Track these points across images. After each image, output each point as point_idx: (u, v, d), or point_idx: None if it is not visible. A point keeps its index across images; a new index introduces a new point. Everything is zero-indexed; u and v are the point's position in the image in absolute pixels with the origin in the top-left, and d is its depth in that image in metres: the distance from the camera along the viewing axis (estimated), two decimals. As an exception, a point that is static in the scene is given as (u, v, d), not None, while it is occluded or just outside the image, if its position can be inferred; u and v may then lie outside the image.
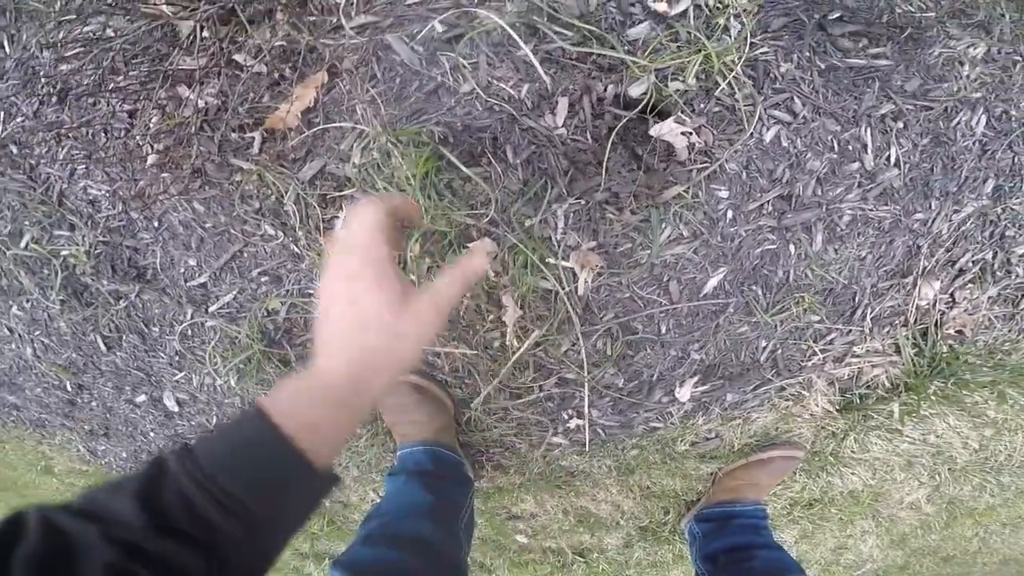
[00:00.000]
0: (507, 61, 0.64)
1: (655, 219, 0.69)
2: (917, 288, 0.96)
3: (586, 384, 0.90)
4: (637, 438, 1.02)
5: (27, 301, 0.96)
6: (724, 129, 0.66)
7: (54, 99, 0.70)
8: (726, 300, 0.80)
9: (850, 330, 0.95)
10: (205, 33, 0.61)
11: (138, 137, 0.70)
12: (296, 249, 0.81)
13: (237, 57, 0.64)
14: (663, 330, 0.83)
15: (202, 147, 0.71)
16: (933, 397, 1.05)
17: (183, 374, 1.01)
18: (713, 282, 0.77)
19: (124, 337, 0.98)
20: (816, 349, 0.95)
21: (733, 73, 0.61)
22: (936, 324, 1.00)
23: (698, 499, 1.18)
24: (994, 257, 0.97)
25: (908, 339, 1.01)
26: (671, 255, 0.74)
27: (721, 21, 0.63)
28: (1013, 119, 0.81)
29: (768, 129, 0.68)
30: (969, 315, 1.03)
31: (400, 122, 0.66)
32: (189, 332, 0.94)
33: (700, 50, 0.59)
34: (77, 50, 0.66)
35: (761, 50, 0.63)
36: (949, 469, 1.27)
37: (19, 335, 1.04)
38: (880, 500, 1.32)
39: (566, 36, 0.61)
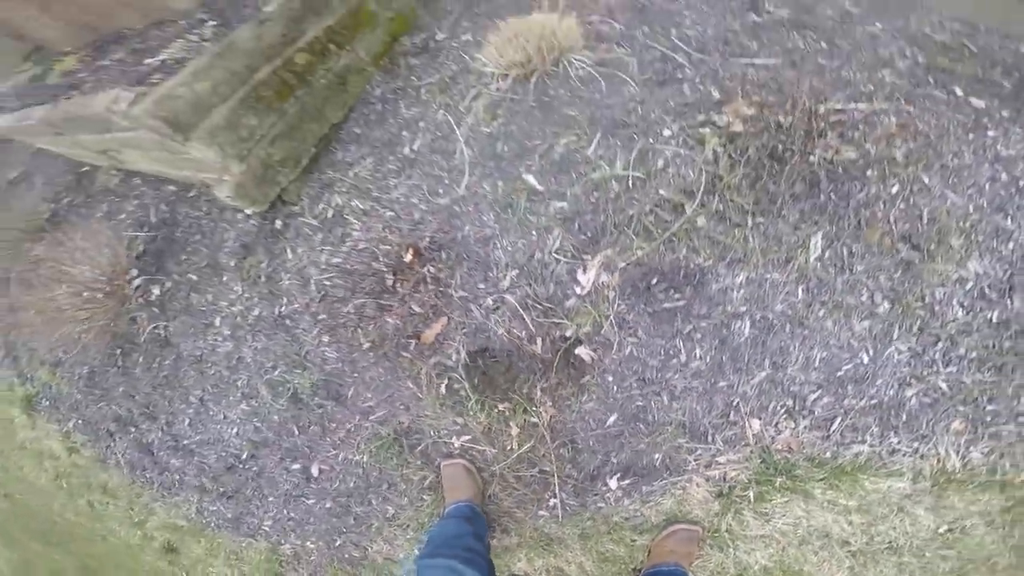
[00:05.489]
0: (518, 323, 1.52)
1: (576, 393, 1.50)
2: (747, 423, 1.67)
3: (555, 475, 1.62)
4: (590, 513, 1.69)
5: (257, 402, 1.83)
6: (607, 351, 1.48)
7: (318, 300, 1.64)
8: (621, 429, 1.55)
9: (709, 448, 1.65)
10: (399, 287, 1.54)
11: (359, 333, 1.61)
12: (413, 388, 1.66)
13: (411, 305, 1.56)
14: (592, 443, 1.57)
15: (388, 342, 1.61)
16: (779, 488, 1.67)
17: (335, 451, 1.80)
18: (611, 419, 1.53)
19: (311, 428, 1.81)
20: (691, 459, 1.65)
21: (608, 320, 1.46)
22: (768, 446, 1.68)
23: (641, 565, 1.77)
24: (793, 403, 1.67)
25: (754, 453, 1.68)
26: (588, 407, 1.52)
27: (606, 292, 1.49)
28: (772, 320, 1.59)
29: (627, 347, 1.49)
30: (794, 438, 1.71)
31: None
32: (354, 432, 1.76)
33: (591, 312, 1.44)
34: (332, 274, 1.61)
35: (619, 306, 1.47)
36: (849, 552, 1.52)
37: (232, 420, 1.89)
38: (805, 581, 1.78)
39: (538, 310, 1.48)
